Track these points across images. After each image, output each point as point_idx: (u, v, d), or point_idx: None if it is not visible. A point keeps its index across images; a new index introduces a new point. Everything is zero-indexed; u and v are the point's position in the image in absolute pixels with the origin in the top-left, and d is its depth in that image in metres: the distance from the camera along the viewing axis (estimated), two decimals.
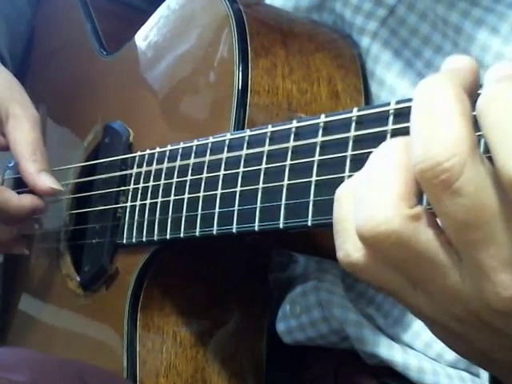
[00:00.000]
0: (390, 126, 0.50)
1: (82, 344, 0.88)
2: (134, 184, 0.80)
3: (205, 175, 0.69)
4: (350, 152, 0.54)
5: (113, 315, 0.82)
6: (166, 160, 0.75)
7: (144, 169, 0.79)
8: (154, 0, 0.89)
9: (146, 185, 0.78)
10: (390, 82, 0.77)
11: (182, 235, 0.72)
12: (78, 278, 0.89)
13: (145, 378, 0.78)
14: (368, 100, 0.78)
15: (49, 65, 1.09)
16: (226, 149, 0.67)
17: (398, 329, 0.77)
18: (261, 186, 0.62)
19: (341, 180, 0.53)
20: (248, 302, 0.84)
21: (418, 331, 0.76)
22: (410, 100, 0.49)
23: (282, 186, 0.60)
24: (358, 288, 0.81)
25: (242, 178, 0.65)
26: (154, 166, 0.77)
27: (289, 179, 0.59)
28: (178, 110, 0.81)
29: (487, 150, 0.40)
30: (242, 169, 0.65)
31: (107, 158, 0.87)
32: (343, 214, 0.46)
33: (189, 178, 0.71)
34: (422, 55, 0.75)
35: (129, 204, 0.80)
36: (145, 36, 0.89)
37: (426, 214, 0.43)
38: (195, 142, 0.71)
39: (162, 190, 0.75)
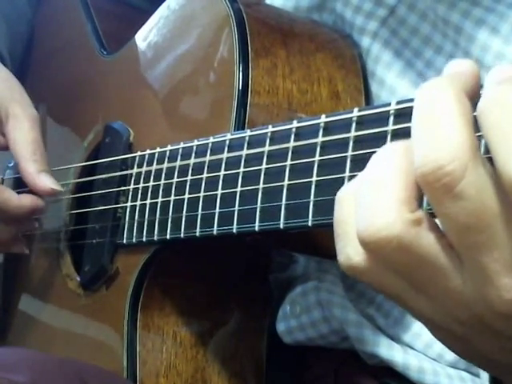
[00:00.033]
0: (391, 127, 0.50)
1: (82, 344, 0.88)
2: (134, 184, 0.80)
3: (205, 175, 0.69)
4: (350, 152, 0.53)
5: (113, 315, 0.82)
6: (167, 160, 0.75)
7: (144, 169, 0.79)
8: (154, 0, 0.89)
9: (147, 185, 0.78)
10: (391, 82, 0.77)
11: (182, 235, 0.72)
12: (78, 278, 0.89)
13: (145, 378, 0.78)
14: (368, 100, 0.78)
15: (49, 65, 1.09)
16: (226, 149, 0.67)
17: (398, 329, 0.77)
18: (261, 186, 0.62)
19: (341, 180, 0.53)
20: (248, 302, 0.84)
21: (418, 331, 0.76)
22: (410, 100, 0.48)
23: (283, 186, 0.60)
24: (358, 288, 0.81)
25: (242, 178, 0.65)
26: (155, 166, 0.77)
27: (289, 179, 0.59)
28: (178, 110, 0.80)
29: (487, 151, 0.40)
30: (242, 169, 0.65)
31: (107, 157, 0.87)
32: (344, 217, 0.46)
33: (189, 178, 0.71)
34: (422, 55, 0.75)
35: (129, 204, 0.80)
36: (145, 36, 0.89)
37: (427, 218, 0.43)
38: (195, 142, 0.71)
39: (163, 190, 0.75)
